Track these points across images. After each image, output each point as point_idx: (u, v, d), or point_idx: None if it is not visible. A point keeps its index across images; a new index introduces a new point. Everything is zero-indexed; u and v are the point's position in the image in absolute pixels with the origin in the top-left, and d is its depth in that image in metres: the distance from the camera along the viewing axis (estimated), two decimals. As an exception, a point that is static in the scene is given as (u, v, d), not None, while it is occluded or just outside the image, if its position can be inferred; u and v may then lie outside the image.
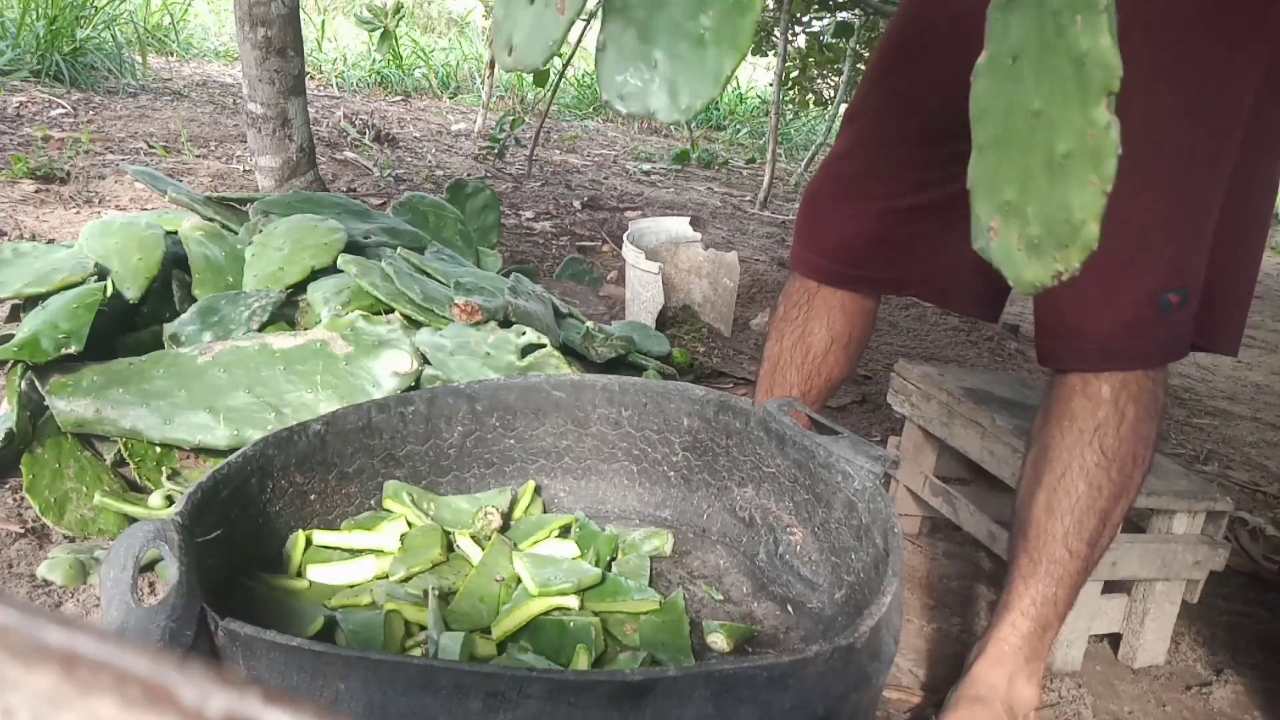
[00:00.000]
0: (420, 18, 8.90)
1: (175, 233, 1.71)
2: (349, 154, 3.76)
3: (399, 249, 1.80)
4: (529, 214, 3.43)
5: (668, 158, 5.31)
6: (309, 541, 1.05)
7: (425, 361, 1.48)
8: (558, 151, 5.00)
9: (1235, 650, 1.47)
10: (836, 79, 5.65)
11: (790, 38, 5.00)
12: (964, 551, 1.63)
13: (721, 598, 1.11)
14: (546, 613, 0.99)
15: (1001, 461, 1.40)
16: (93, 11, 4.46)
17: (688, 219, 2.76)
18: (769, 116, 4.77)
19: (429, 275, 1.74)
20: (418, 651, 0.94)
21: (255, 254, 1.71)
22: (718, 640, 1.00)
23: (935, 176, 1.23)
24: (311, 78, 5.70)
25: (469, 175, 3.71)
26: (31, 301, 1.52)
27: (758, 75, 8.21)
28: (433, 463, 1.18)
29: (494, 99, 5.48)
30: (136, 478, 1.37)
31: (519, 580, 1.04)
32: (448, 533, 1.10)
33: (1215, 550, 1.35)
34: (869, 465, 0.99)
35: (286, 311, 1.63)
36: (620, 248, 2.65)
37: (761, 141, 6.31)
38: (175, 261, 1.67)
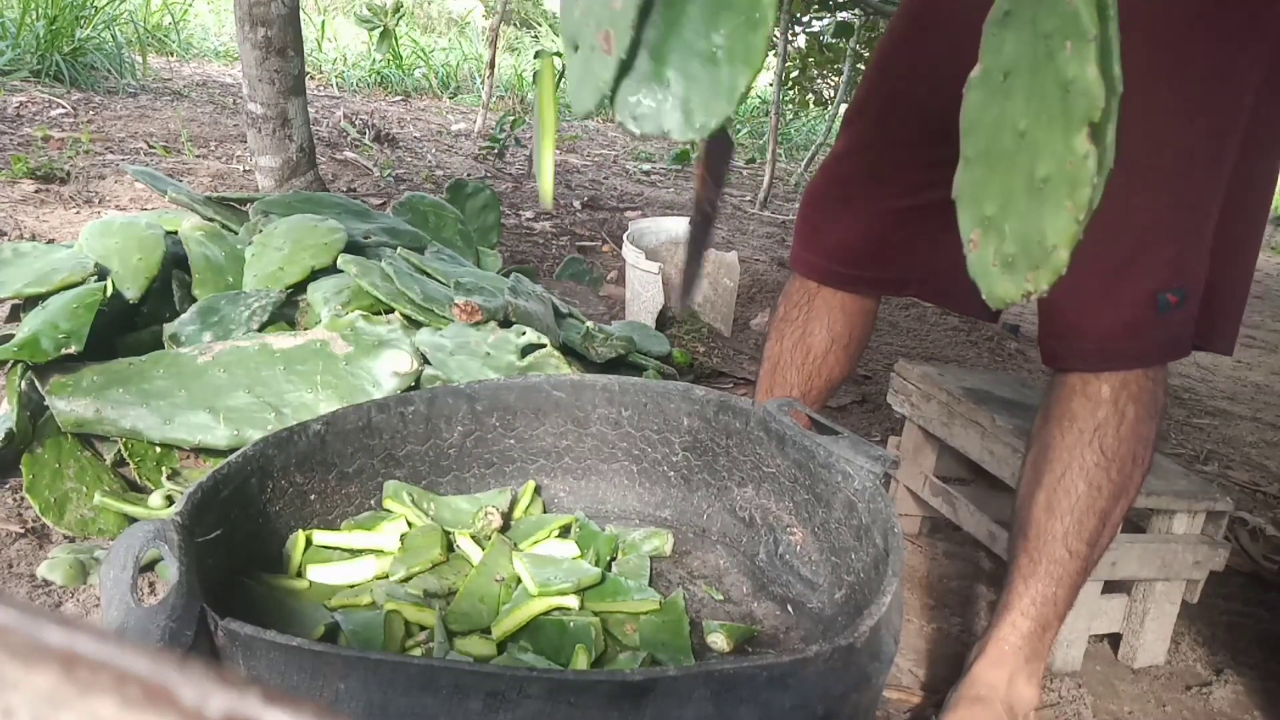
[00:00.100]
0: (420, 18, 8.91)
1: (175, 233, 1.71)
2: (349, 154, 3.76)
3: (399, 249, 1.80)
4: (529, 214, 3.42)
5: (668, 158, 5.31)
6: (309, 541, 1.05)
7: (425, 361, 1.48)
8: (558, 151, 5.00)
9: (1235, 650, 1.47)
10: (836, 79, 5.65)
11: (790, 38, 5.00)
12: (964, 551, 1.63)
13: (721, 598, 1.11)
14: (546, 613, 0.99)
15: (1001, 461, 1.40)
16: (93, 11, 4.46)
17: (688, 219, 2.76)
18: (769, 116, 4.77)
19: (429, 275, 1.74)
20: (418, 651, 0.94)
21: (255, 254, 1.71)
22: (718, 640, 1.00)
23: (935, 177, 1.22)
24: (311, 78, 5.70)
25: (469, 175, 3.71)
26: (31, 301, 1.52)
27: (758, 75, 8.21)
28: (433, 463, 1.18)
29: (494, 99, 5.48)
30: (136, 478, 1.37)
31: (519, 580, 1.04)
32: (448, 533, 1.10)
33: (1215, 550, 1.35)
34: (869, 465, 0.99)
35: (286, 311, 1.64)
36: (620, 248, 2.65)
37: (761, 141, 6.31)
38: (175, 261, 1.68)
